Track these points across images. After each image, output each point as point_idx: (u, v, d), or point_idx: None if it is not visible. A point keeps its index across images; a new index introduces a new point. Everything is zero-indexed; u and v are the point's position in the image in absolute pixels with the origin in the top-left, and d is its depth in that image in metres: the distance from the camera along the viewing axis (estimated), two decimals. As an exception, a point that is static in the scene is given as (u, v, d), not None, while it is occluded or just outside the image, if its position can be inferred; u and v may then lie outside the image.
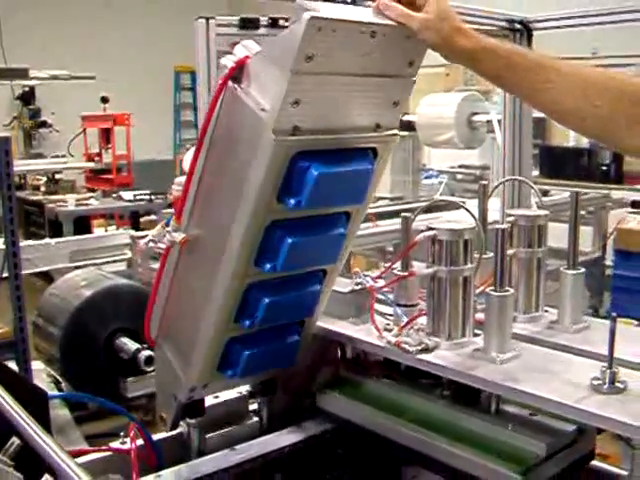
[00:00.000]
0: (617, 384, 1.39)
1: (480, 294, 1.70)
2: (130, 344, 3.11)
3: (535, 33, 3.77)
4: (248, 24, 2.72)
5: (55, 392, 3.02)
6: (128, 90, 10.95)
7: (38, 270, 4.67)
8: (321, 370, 1.91)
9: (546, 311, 1.85)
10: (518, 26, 3.77)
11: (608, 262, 5.99)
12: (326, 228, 1.56)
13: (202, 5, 6.04)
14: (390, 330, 1.70)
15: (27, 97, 10.65)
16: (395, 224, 3.11)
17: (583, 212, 5.62)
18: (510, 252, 1.76)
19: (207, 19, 2.66)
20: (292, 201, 1.42)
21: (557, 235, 2.09)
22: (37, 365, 3.43)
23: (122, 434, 1.76)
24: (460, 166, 7.49)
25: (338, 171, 1.45)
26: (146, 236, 1.71)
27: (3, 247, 3.39)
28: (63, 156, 9.20)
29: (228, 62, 1.44)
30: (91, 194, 8.01)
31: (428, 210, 2.33)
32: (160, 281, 1.69)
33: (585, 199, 5.68)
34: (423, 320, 1.71)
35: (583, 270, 1.75)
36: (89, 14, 11.92)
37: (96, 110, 9.55)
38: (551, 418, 1.54)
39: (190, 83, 13.33)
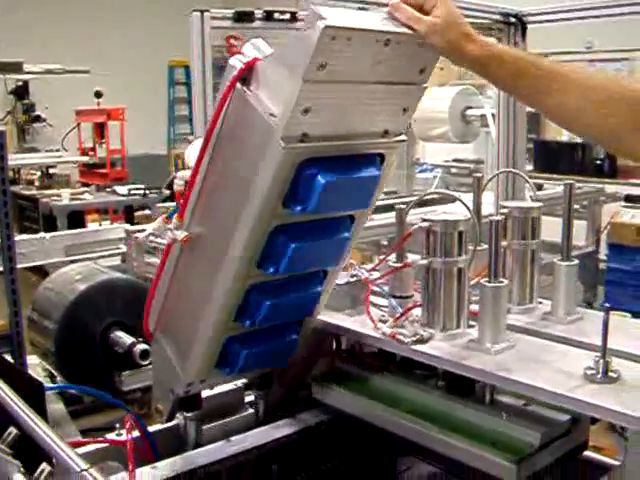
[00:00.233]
0: (610, 374, 1.40)
1: (474, 286, 1.70)
2: (125, 338, 3.11)
3: (529, 26, 3.79)
4: (243, 17, 2.73)
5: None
6: (122, 85, 10.94)
7: (33, 264, 4.66)
8: (317, 362, 1.92)
9: (540, 303, 1.85)
10: (512, 19, 3.79)
11: (602, 256, 6.01)
12: (330, 232, 1.56)
13: (196, -1, 6.02)
14: (385, 321, 1.70)
15: (21, 92, 10.65)
16: (389, 218, 3.11)
17: (577, 206, 5.64)
18: (504, 244, 1.77)
19: (202, 12, 2.67)
20: (298, 208, 1.41)
21: (551, 228, 2.10)
22: (32, 359, 3.42)
23: (118, 426, 1.76)
24: (454, 160, 7.51)
25: (345, 178, 1.44)
26: (144, 230, 1.71)
27: (-2, 241, 3.38)
28: (57, 150, 9.20)
29: (237, 63, 1.41)
30: (85, 189, 8.01)
31: (423, 204, 2.34)
32: (160, 277, 1.69)
33: (579, 193, 5.70)
34: (418, 312, 1.72)
35: (577, 262, 1.76)
36: (84, 10, 11.89)
37: (90, 105, 9.53)
38: (545, 408, 1.55)
39: (184, 77, 13.33)
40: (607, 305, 1.43)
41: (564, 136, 7.08)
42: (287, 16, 2.92)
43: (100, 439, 1.76)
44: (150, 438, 1.79)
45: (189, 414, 1.84)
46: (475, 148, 6.91)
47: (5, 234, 3.33)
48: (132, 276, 3.66)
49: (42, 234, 4.96)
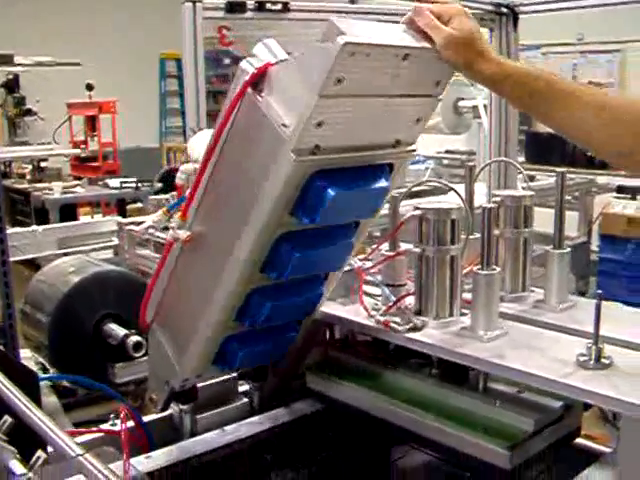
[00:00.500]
0: (603, 360, 1.41)
1: (467, 275, 1.71)
2: (118, 330, 3.10)
3: (521, 17, 3.79)
4: (235, 7, 2.73)
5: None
6: (113, 78, 10.89)
7: (25, 257, 4.65)
8: (310, 351, 1.92)
9: (532, 291, 1.86)
10: (504, 10, 3.79)
11: (594, 247, 6.04)
12: (335, 239, 1.56)
13: (187, -9, 5.99)
14: (378, 310, 1.71)
15: (11, 85, 10.56)
16: (382, 210, 3.11)
17: (569, 197, 5.65)
18: (497, 232, 1.78)
19: (194, 2, 2.66)
20: (306, 220, 1.41)
21: (543, 219, 2.11)
22: (25, 353, 3.42)
23: (112, 416, 1.77)
24: (446, 152, 7.52)
25: (355, 191, 1.43)
26: (136, 223, 1.70)
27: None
28: (49, 144, 9.15)
29: (249, 67, 1.37)
30: (77, 182, 7.97)
31: (415, 195, 2.35)
32: (160, 273, 1.67)
33: (571, 185, 5.72)
34: (411, 300, 1.72)
35: (569, 250, 1.77)
36: (76, 2, 11.84)
37: (81, 98, 9.50)
38: (538, 395, 1.56)
39: (176, 70, 13.29)
40: (599, 292, 1.44)
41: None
42: (279, 7, 2.93)
43: (95, 429, 1.76)
44: (145, 428, 1.79)
45: (184, 406, 1.84)
46: (467, 140, 6.92)
47: (-3, 227, 3.31)
48: (125, 268, 3.65)
49: (34, 227, 4.95)
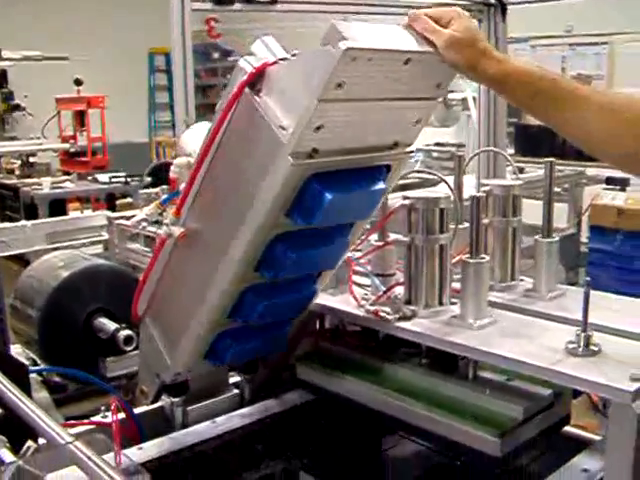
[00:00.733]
0: (591, 347, 1.41)
1: (456, 264, 1.71)
2: (109, 324, 3.10)
3: (510, 8, 3.79)
4: (223, 0, 2.72)
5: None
6: (102, 72, 10.86)
7: (14, 252, 4.63)
8: (300, 342, 1.93)
9: (522, 280, 1.87)
10: (492, 1, 3.79)
11: (583, 239, 6.06)
12: (330, 239, 1.55)
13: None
14: (368, 300, 1.71)
15: (-1, 80, 10.52)
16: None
17: (558, 189, 5.67)
18: (486, 221, 1.78)
19: (182, -6, 2.66)
20: (302, 222, 1.40)
21: (532, 211, 2.11)
22: (16, 348, 3.41)
23: (103, 408, 1.77)
24: (436, 144, 7.52)
25: (352, 194, 1.43)
26: (125, 217, 1.69)
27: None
28: (37, 139, 9.11)
29: (247, 65, 1.36)
30: (66, 177, 7.94)
31: (405, 188, 2.34)
32: (152, 268, 1.67)
33: (560, 176, 5.73)
34: (400, 290, 1.72)
35: (557, 238, 1.78)
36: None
37: (70, 93, 9.46)
38: (528, 383, 1.56)
39: (164, 65, 13.26)
40: (588, 279, 1.45)
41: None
42: (267, -1, 2.92)
43: (86, 421, 1.76)
44: (136, 420, 1.79)
45: (176, 399, 1.84)
46: (456, 132, 6.92)
47: (-14, 221, 3.30)
48: (115, 263, 3.64)
49: (23, 222, 4.92)
